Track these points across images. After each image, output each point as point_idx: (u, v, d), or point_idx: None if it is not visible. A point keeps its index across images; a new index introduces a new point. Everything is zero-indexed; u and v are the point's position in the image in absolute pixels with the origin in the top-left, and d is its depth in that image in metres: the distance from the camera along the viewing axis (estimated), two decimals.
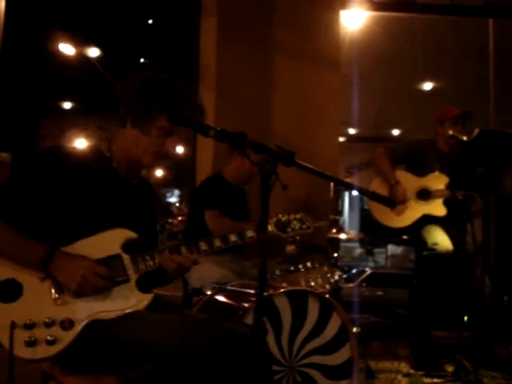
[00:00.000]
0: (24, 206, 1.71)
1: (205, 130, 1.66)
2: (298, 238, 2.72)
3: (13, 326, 1.58)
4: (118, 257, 1.77)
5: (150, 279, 1.83)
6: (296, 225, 1.99)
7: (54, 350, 1.62)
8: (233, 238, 1.88)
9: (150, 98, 1.81)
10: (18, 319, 1.60)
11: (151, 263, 1.78)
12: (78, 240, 1.74)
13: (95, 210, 1.79)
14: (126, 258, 1.77)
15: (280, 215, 1.99)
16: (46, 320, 1.63)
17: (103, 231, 1.77)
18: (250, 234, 1.89)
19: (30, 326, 1.61)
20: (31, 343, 1.60)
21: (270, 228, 1.94)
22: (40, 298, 1.67)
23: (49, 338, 1.61)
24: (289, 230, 1.98)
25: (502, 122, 5.36)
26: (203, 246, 1.84)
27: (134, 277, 1.76)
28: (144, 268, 1.77)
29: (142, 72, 1.88)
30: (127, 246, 1.79)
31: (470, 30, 5.72)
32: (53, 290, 1.68)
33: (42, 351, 1.61)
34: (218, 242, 1.86)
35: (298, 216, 2.01)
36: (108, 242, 1.77)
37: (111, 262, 1.75)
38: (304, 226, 2.00)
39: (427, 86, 8.06)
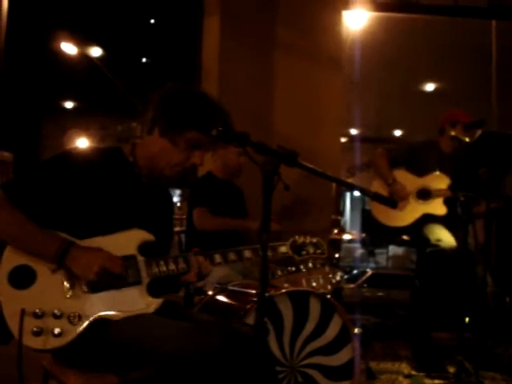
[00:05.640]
0: (43, 200, 1.72)
1: (207, 130, 1.66)
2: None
3: (23, 313, 1.60)
4: (133, 257, 1.77)
5: (160, 285, 1.84)
6: (310, 249, 2.02)
7: (58, 342, 1.63)
8: (247, 254, 1.91)
9: (182, 110, 1.80)
10: (27, 307, 1.62)
11: (164, 269, 1.79)
12: (95, 236, 1.75)
13: (113, 210, 1.80)
14: (140, 259, 1.77)
15: (296, 237, 2.02)
16: (55, 311, 1.64)
17: (121, 231, 1.78)
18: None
19: (38, 316, 1.63)
20: (38, 333, 1.61)
21: (285, 249, 1.99)
22: (51, 289, 1.67)
23: (55, 329, 1.63)
24: (303, 253, 2.01)
25: (504, 124, 5.36)
26: (218, 259, 1.87)
27: (146, 280, 1.76)
28: (157, 272, 1.78)
29: (177, 83, 1.89)
30: (143, 248, 1.80)
31: (473, 30, 5.72)
32: (65, 283, 1.69)
33: (47, 342, 1.62)
34: (232, 256, 1.89)
35: (314, 240, 2.04)
36: (125, 242, 1.78)
37: (126, 262, 1.75)
38: (318, 251, 2.04)
39: (429, 86, 8.05)
